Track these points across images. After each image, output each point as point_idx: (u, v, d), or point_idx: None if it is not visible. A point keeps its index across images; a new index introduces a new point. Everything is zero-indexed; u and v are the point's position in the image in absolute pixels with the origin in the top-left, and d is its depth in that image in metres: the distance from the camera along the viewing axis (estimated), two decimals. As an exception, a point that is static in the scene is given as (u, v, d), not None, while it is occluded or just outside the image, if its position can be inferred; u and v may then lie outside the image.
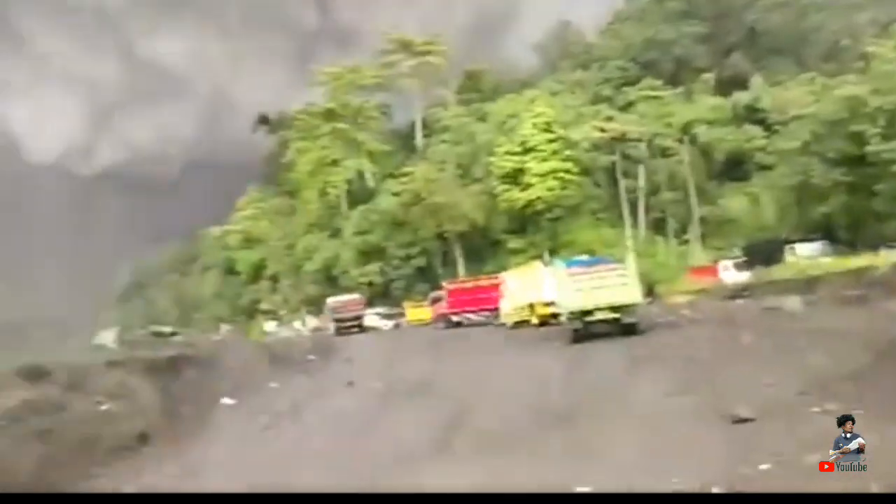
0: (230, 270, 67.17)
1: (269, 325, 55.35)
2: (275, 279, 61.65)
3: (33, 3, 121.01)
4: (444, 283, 35.46)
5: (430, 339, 28.03)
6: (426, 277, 48.78)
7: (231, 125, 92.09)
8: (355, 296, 42.21)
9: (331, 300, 40.94)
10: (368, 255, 51.23)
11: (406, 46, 59.07)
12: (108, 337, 15.81)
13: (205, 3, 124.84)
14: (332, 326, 37.89)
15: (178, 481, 8.46)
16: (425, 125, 60.56)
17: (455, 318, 30.89)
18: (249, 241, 63.53)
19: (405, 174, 51.49)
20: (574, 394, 10.67)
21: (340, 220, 55.61)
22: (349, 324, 37.11)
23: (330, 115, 57.30)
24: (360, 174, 57.03)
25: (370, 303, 44.29)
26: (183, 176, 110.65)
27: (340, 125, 56.41)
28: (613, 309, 16.98)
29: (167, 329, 19.94)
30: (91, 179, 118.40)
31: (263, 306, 61.38)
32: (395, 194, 51.22)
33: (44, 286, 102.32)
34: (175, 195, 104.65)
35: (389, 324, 40.72)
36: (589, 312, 17.11)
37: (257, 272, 62.98)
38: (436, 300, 35.08)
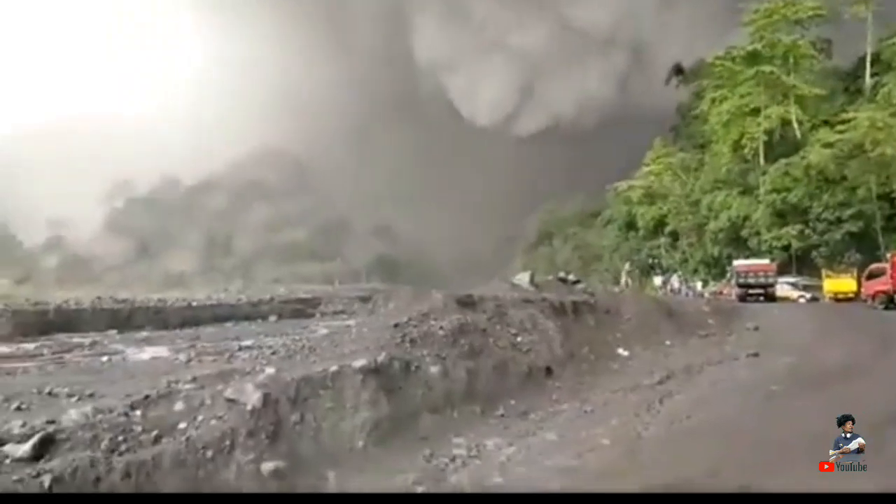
0: (631, 225, 68.10)
1: (657, 280, 54.29)
2: (675, 236, 60.07)
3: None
4: (888, 254, 29.38)
5: (864, 318, 23.80)
6: (861, 246, 40.75)
7: (647, 78, 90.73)
8: (765, 260, 38.73)
9: (737, 262, 38.31)
10: (786, 215, 45.18)
11: (859, -37, 47.88)
12: (524, 278, 18.03)
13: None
14: (735, 292, 35.71)
15: (580, 415, 9.31)
16: (877, 60, 48.87)
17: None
18: (651, 196, 62.96)
19: (844, 121, 43.09)
20: None
21: (755, 175, 49.98)
22: (756, 291, 34.65)
23: (754, 57, 50.72)
24: (785, 123, 49.62)
25: (783, 270, 39.82)
26: (597, 131, 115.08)
27: (766, 68, 49.45)
28: None
29: (571, 277, 21.61)
30: (515, 139, 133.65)
31: (662, 263, 60.74)
32: (828, 145, 43.40)
33: (472, 230, 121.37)
34: (587, 150, 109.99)
35: (806, 295, 36.08)
36: None
37: (657, 228, 62.35)
38: (873, 274, 29.06)
